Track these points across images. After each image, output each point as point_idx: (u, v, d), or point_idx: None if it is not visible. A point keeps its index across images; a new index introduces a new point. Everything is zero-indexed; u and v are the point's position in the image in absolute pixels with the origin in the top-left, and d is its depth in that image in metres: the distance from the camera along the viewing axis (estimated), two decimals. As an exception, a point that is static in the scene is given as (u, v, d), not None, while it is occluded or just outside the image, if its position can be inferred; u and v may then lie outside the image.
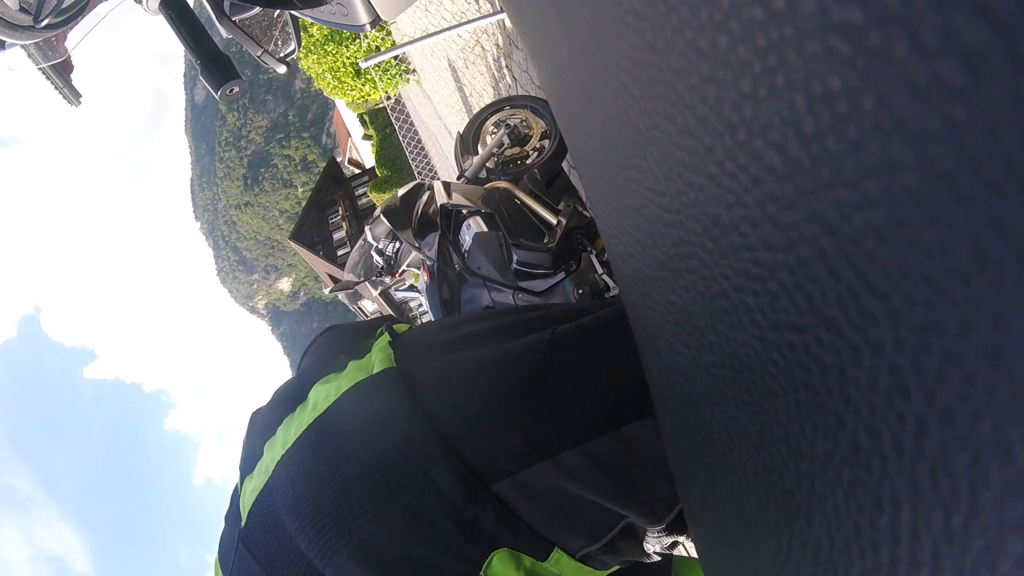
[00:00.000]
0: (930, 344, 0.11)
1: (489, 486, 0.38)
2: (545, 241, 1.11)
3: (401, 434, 0.39)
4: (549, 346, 0.42)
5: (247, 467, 0.45)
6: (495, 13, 2.50)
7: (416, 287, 1.49)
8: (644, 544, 0.41)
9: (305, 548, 0.37)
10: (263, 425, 0.46)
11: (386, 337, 0.48)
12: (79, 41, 0.59)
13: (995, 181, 0.09)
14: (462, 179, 1.47)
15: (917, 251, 0.10)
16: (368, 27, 0.56)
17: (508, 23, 2.80)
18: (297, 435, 0.42)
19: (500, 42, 3.25)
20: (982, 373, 0.10)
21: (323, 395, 0.44)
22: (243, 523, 0.42)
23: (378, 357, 0.45)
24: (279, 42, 0.63)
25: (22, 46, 0.55)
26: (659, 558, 0.43)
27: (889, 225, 0.11)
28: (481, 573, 0.38)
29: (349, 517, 0.37)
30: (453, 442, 0.38)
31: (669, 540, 0.41)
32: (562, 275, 1.09)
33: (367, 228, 1.41)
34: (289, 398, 0.46)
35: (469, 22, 2.39)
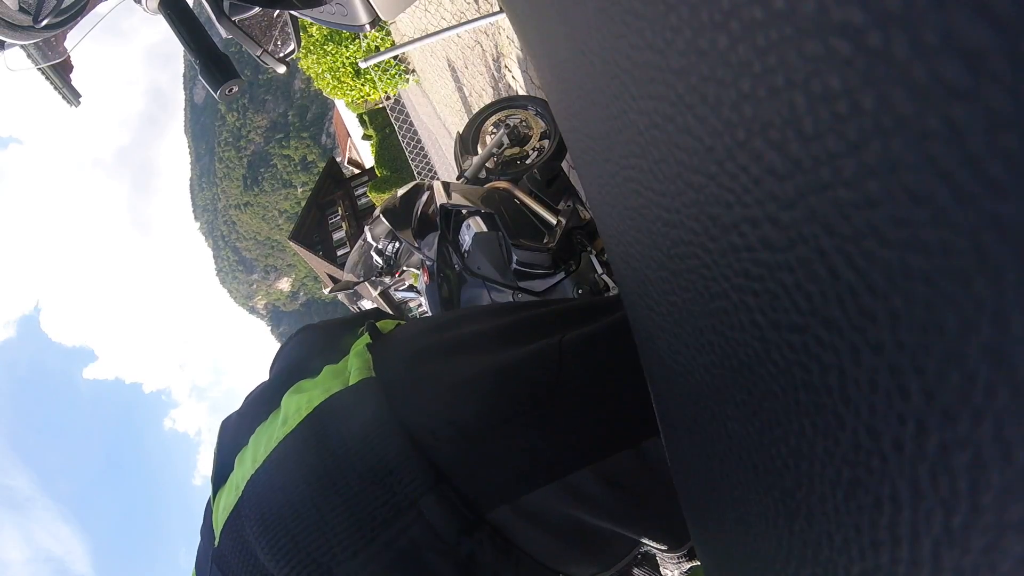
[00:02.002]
0: (930, 344, 0.11)
1: (486, 514, 0.34)
2: (545, 241, 1.11)
3: (381, 459, 0.34)
4: (558, 354, 0.37)
5: (219, 479, 0.41)
6: (495, 13, 2.50)
7: (416, 287, 1.49)
8: (662, 570, 0.38)
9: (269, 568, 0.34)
10: (234, 434, 0.42)
11: (365, 339, 0.43)
12: (79, 41, 0.59)
13: (996, 181, 0.09)
14: (462, 179, 1.47)
15: (917, 251, 0.10)
16: (368, 27, 0.56)
17: (508, 23, 2.80)
18: (267, 453, 0.38)
19: (500, 42, 3.25)
20: (982, 373, 0.10)
21: (294, 407, 0.39)
22: (216, 543, 0.38)
23: (355, 364, 0.40)
24: (279, 42, 0.63)
25: (22, 46, 0.55)
26: (679, 574, 0.39)
27: (889, 225, 0.11)
28: None
29: (328, 555, 0.33)
30: (445, 465, 0.34)
31: (689, 565, 0.37)
32: (562, 275, 1.09)
33: (367, 228, 1.41)
34: (260, 405, 0.42)
35: (469, 22, 2.39)
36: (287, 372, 0.43)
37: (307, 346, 0.47)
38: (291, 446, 0.37)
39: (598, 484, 0.34)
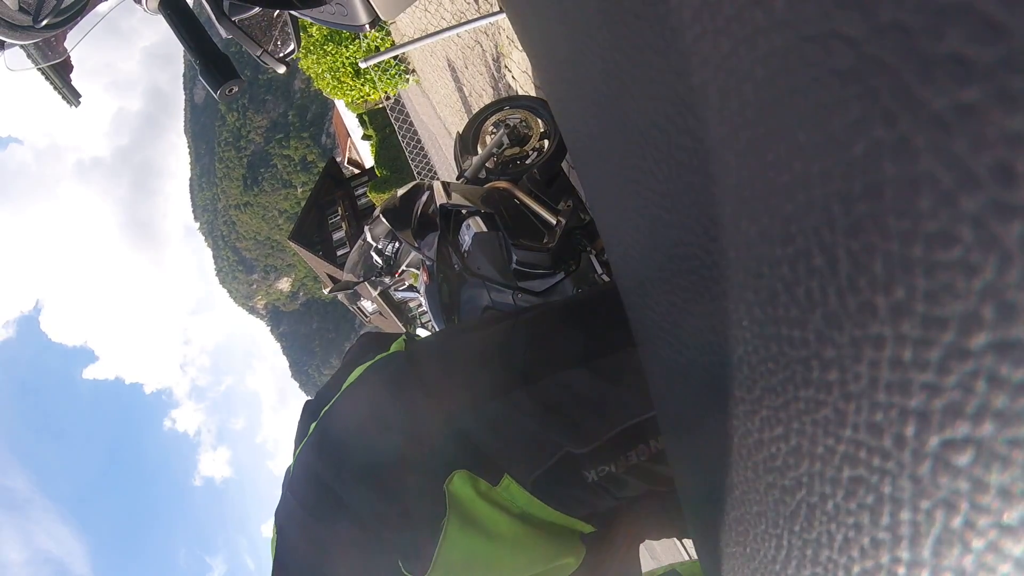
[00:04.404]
0: (933, 338, 0.11)
1: (457, 421, 0.52)
2: (544, 241, 1.11)
3: (398, 388, 0.55)
4: (512, 326, 0.59)
5: (299, 441, 0.60)
6: (495, 13, 2.50)
7: (416, 287, 1.49)
8: (583, 472, 0.51)
9: (322, 472, 0.53)
10: (312, 409, 0.61)
11: (403, 337, 0.65)
12: (79, 41, 0.59)
13: (1004, 164, 0.09)
14: (462, 179, 1.47)
15: (919, 242, 0.10)
16: (367, 27, 0.56)
17: (508, 23, 2.80)
18: (329, 407, 0.58)
19: (500, 42, 3.25)
20: (986, 368, 0.10)
21: (355, 375, 0.60)
22: (290, 475, 0.56)
23: (395, 348, 0.62)
24: (279, 42, 0.63)
25: (22, 46, 0.55)
26: (597, 478, 0.52)
27: (890, 217, 0.11)
28: (444, 486, 0.49)
29: (361, 452, 0.53)
30: (437, 394, 0.54)
31: (602, 468, 0.51)
32: (562, 275, 1.09)
33: (366, 228, 1.41)
34: (331, 388, 0.61)
35: (469, 22, 2.39)
36: (352, 362, 0.63)
37: (366, 345, 0.67)
38: (348, 392, 0.58)
39: (530, 400, 0.51)
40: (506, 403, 0.51)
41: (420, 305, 1.57)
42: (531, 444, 0.51)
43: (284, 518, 0.54)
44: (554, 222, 1.14)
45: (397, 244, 1.40)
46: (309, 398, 0.64)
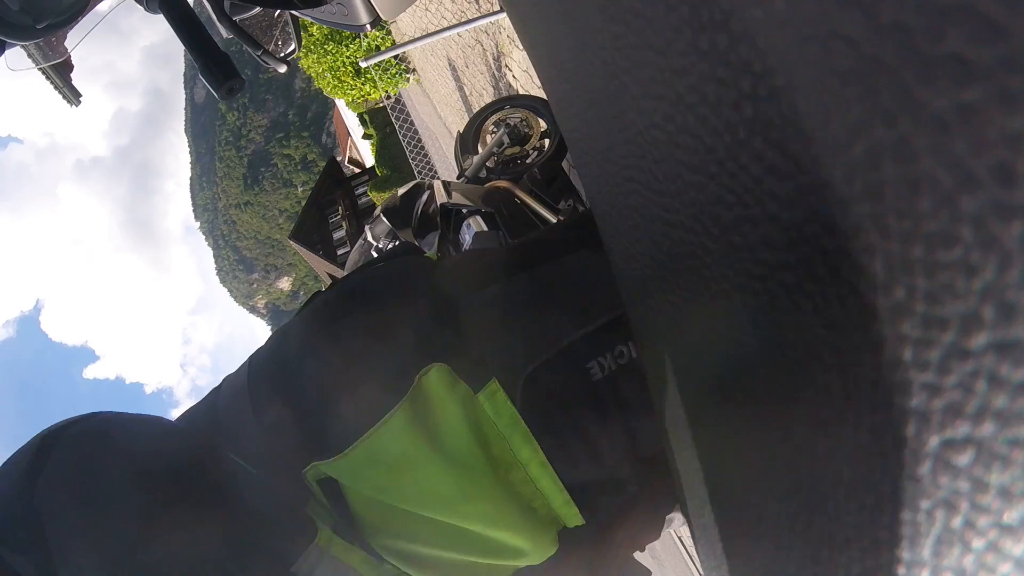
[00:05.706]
0: (933, 338, 0.11)
1: (454, 305, 0.47)
2: (545, 241, 1.11)
3: (410, 274, 0.53)
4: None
5: None
6: (495, 12, 2.49)
7: (416, 287, 1.48)
8: (586, 365, 0.43)
9: (297, 338, 0.47)
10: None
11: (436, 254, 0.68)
12: (79, 41, 0.59)
13: (1003, 165, 0.09)
14: (462, 178, 1.47)
15: (920, 243, 0.10)
16: (368, 27, 0.56)
17: (508, 23, 2.80)
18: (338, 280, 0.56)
19: (500, 41, 3.25)
20: (986, 368, 0.10)
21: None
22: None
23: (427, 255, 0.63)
24: (279, 42, 0.63)
25: (22, 46, 0.55)
26: (601, 375, 0.44)
27: (890, 218, 0.11)
28: (418, 376, 0.42)
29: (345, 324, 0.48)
30: (446, 286, 0.50)
31: (604, 355, 0.44)
32: (562, 274, 1.09)
33: (367, 228, 1.41)
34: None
35: (469, 22, 2.39)
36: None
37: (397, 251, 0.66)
38: (360, 270, 0.54)
39: (533, 282, 0.48)
40: (507, 286, 0.48)
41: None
42: (531, 329, 0.45)
43: (226, 382, 0.47)
44: (554, 221, 1.14)
45: (398, 243, 1.40)
46: (319, 288, 0.61)
